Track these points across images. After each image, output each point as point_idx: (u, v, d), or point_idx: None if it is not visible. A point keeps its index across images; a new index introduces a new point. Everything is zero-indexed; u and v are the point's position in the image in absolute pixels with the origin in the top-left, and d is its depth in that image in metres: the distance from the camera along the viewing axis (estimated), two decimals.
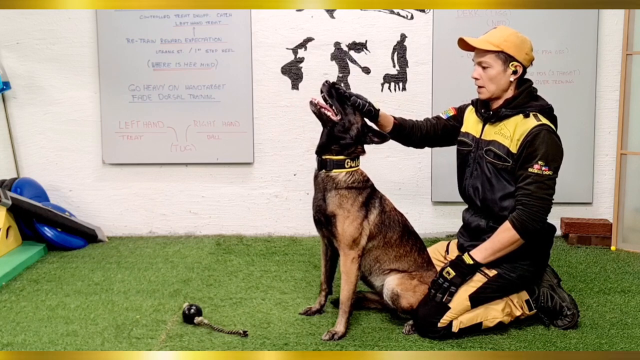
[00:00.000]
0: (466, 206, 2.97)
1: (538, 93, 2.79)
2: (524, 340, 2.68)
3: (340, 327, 2.70)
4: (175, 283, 3.39)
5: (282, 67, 4.22)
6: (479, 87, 2.77)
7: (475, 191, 2.82)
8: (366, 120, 2.81)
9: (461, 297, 2.67)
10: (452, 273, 2.68)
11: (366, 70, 4.21)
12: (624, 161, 4.01)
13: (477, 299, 2.69)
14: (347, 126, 2.71)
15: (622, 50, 4.02)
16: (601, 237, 4.06)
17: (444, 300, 2.66)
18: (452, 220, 4.22)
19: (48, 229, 3.93)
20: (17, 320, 2.89)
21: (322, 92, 2.71)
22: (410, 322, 2.76)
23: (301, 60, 4.21)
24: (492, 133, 2.76)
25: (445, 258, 3.04)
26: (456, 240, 3.05)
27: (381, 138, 2.79)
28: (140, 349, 2.60)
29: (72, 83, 4.26)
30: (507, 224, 2.64)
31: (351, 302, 2.72)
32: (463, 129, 2.94)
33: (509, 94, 2.75)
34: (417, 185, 4.29)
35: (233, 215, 4.37)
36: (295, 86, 4.24)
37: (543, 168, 2.60)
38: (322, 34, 4.18)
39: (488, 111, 2.79)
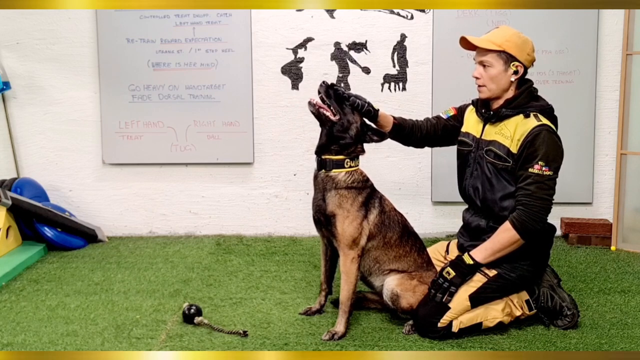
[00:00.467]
0: (466, 206, 2.97)
1: (538, 93, 2.79)
2: (524, 340, 2.68)
3: (340, 327, 2.70)
4: (175, 283, 3.39)
5: (282, 67, 4.22)
6: (480, 86, 2.77)
7: (476, 191, 2.82)
8: (365, 119, 2.82)
9: (461, 297, 2.67)
10: (452, 273, 2.67)
11: (366, 70, 4.20)
12: (624, 161, 4.01)
13: (477, 299, 2.69)
14: (346, 126, 2.71)
15: (622, 50, 4.02)
16: (601, 237, 4.06)
17: (444, 300, 2.66)
18: (452, 220, 4.22)
19: (48, 229, 3.93)
20: (17, 320, 2.89)
21: (319, 92, 2.72)
22: (410, 322, 2.76)
23: (301, 60, 4.21)
24: (492, 133, 2.76)
25: (445, 258, 3.04)
26: (456, 240, 3.05)
27: (380, 136, 2.79)
28: (140, 349, 2.60)
29: (72, 83, 4.26)
30: (507, 224, 2.64)
31: (351, 302, 2.72)
32: (463, 129, 2.94)
33: (510, 94, 2.75)
34: (417, 185, 4.29)
35: (233, 215, 4.37)
36: (295, 86, 4.23)
37: (543, 168, 2.60)
38: (322, 34, 4.18)
39: (488, 111, 2.79)
